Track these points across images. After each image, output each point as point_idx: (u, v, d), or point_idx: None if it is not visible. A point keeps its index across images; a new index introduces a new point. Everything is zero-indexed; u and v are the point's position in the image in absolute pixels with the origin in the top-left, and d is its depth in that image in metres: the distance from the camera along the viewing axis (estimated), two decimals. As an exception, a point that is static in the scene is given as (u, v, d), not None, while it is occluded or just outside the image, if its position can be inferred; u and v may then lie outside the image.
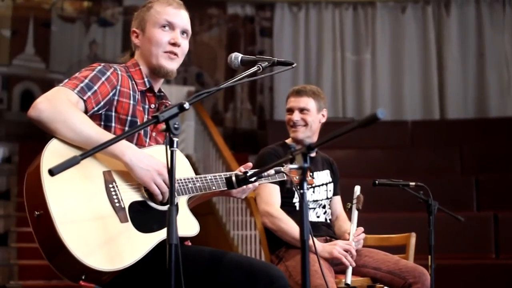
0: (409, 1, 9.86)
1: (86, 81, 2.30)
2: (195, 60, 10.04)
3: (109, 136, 2.21)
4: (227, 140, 8.76)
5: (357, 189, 3.42)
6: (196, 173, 2.45)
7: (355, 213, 3.36)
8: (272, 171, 2.57)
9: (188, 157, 8.52)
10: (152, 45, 2.48)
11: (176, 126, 1.93)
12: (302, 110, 3.50)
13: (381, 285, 3.41)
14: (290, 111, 3.53)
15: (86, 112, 2.28)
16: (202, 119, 8.41)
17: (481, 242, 6.58)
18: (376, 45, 9.82)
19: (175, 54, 2.49)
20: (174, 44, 2.48)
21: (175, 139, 1.94)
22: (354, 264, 3.22)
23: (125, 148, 2.23)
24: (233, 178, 2.40)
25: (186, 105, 1.96)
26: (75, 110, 2.21)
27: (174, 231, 1.89)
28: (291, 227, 3.27)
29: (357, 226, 3.36)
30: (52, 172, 1.76)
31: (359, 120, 1.72)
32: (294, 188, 2.03)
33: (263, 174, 2.52)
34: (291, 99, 3.55)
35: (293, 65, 2.44)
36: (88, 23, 9.93)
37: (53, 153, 2.15)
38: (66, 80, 2.31)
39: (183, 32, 2.53)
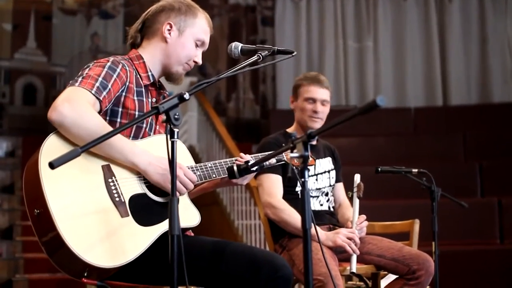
0: (411, -13, 9.82)
1: (101, 79, 2.26)
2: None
3: (126, 142, 2.24)
4: (230, 130, 8.76)
5: (357, 177, 3.41)
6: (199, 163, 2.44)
7: (356, 201, 3.35)
8: (273, 160, 2.57)
9: (191, 147, 8.47)
10: (183, 52, 2.51)
11: (176, 116, 1.93)
12: (323, 102, 3.49)
13: (385, 272, 3.42)
14: (312, 100, 3.48)
15: (100, 111, 2.26)
16: (204, 110, 8.40)
17: (485, 228, 6.57)
18: (378, 32, 9.76)
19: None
20: (195, 62, 2.55)
21: (176, 130, 1.94)
22: (358, 252, 3.21)
23: (137, 156, 2.24)
24: (235, 168, 2.40)
25: (186, 96, 1.96)
26: (97, 117, 2.19)
27: (176, 222, 1.89)
28: (294, 218, 3.26)
29: (360, 214, 3.35)
30: (52, 165, 1.74)
31: (359, 108, 1.71)
32: (295, 170, 2.01)
33: (264, 164, 2.51)
34: (313, 88, 3.48)
35: (293, 54, 2.44)
36: (89, 16, 9.90)
37: (51, 148, 2.14)
38: (80, 79, 2.26)
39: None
